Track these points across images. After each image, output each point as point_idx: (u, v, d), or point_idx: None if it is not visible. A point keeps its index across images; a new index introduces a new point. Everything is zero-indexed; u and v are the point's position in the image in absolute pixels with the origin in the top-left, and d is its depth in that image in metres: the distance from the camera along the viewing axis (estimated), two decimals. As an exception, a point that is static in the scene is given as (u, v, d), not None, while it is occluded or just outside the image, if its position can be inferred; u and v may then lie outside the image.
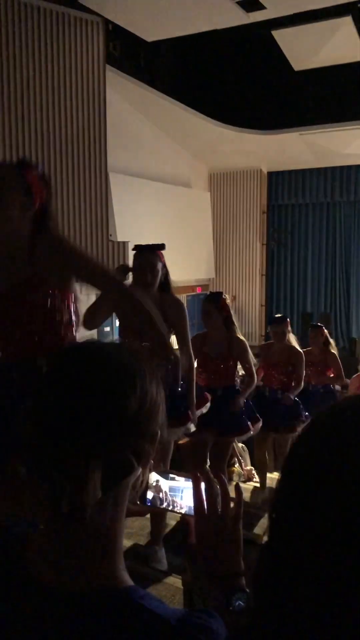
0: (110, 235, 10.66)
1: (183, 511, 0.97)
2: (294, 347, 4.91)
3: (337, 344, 14.61)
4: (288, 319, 5.06)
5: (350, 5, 9.47)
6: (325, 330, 5.97)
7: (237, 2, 9.08)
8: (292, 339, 5.05)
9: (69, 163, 9.77)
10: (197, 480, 0.93)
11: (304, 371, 4.98)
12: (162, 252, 3.38)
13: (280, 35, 10.65)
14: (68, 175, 9.78)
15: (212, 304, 4.09)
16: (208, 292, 15.66)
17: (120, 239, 10.84)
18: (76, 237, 9.35)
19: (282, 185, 15.49)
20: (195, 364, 4.10)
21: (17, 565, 0.73)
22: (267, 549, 0.66)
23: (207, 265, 15.09)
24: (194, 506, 0.93)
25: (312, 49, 10.89)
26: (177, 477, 1.00)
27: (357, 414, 0.62)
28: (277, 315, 5.35)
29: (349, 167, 14.52)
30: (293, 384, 4.86)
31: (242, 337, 4.12)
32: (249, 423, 4.15)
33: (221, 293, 4.28)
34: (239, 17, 9.56)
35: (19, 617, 0.69)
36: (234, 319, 4.16)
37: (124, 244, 10.58)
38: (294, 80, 12.37)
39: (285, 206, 15.70)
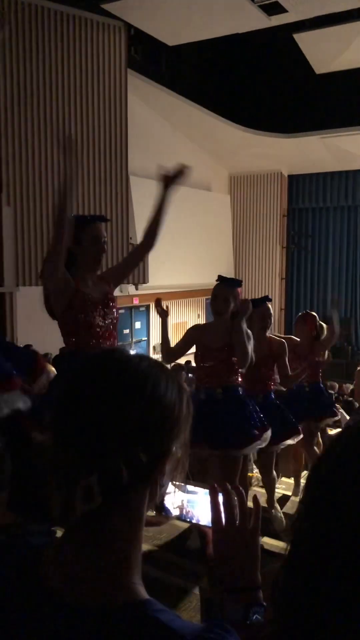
0: (131, 238, 10.70)
1: (201, 523, 0.97)
2: (274, 337, 4.00)
3: (356, 349, 14.52)
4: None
5: (372, 8, 9.41)
6: (319, 322, 4.85)
7: (259, 6, 9.07)
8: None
9: (90, 166, 9.84)
10: (214, 492, 0.92)
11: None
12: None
13: (302, 39, 10.61)
14: (89, 178, 9.85)
15: (234, 290, 3.47)
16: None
17: (140, 241, 10.89)
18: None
19: (302, 188, 15.40)
20: (193, 362, 3.74)
21: (33, 577, 0.73)
22: (290, 561, 0.66)
23: (226, 268, 15.05)
24: (212, 518, 0.92)
25: (334, 52, 10.83)
26: (195, 489, 1.00)
27: None
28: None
29: (371, 170, 14.40)
30: (290, 375, 3.97)
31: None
32: (255, 431, 3.38)
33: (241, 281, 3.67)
34: (261, 21, 9.54)
35: (34, 629, 0.69)
36: None
37: (144, 247, 10.61)
38: (316, 83, 12.31)
39: (306, 209, 15.60)
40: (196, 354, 3.56)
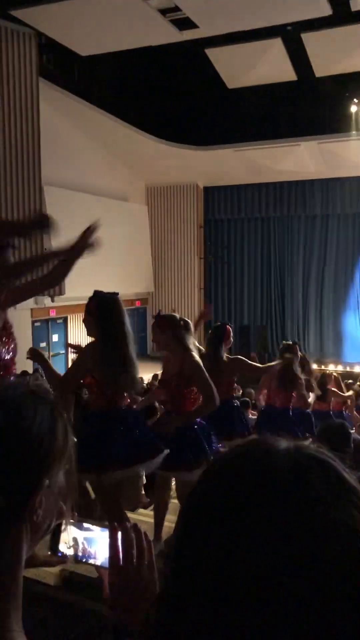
0: (46, 249, 10.47)
1: (99, 563, 0.92)
2: (189, 355, 3.48)
3: (272, 356, 14.91)
4: (176, 315, 3.78)
5: (280, 27, 9.79)
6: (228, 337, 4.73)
7: (170, 20, 9.20)
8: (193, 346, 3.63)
9: (2, 176, 9.55)
10: (114, 531, 0.88)
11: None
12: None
13: (214, 54, 10.87)
14: (1, 188, 9.56)
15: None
16: (146, 306, 15.69)
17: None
18: (10, 252, 9.15)
19: (217, 200, 15.74)
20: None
21: None
22: (161, 598, 0.59)
23: (146, 279, 15.07)
24: (109, 557, 0.88)
25: (244, 68, 11.16)
26: (92, 527, 0.95)
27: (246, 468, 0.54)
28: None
29: (282, 183, 14.91)
30: (201, 403, 3.52)
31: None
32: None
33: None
34: (172, 35, 9.68)
35: None
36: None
37: (60, 258, 10.41)
38: (228, 97, 12.62)
39: (221, 221, 15.95)
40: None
